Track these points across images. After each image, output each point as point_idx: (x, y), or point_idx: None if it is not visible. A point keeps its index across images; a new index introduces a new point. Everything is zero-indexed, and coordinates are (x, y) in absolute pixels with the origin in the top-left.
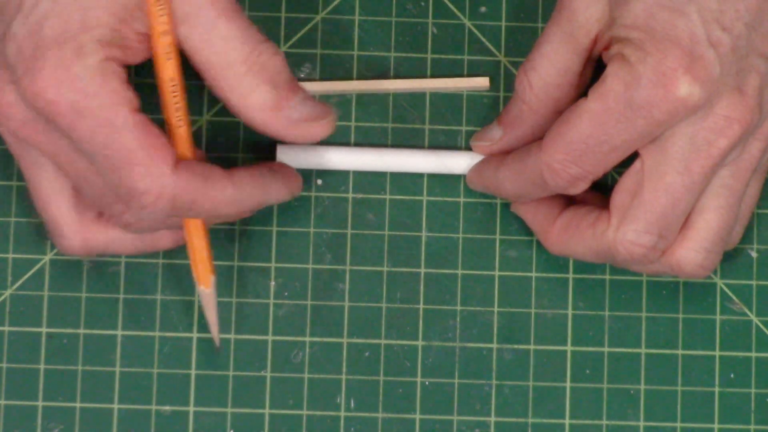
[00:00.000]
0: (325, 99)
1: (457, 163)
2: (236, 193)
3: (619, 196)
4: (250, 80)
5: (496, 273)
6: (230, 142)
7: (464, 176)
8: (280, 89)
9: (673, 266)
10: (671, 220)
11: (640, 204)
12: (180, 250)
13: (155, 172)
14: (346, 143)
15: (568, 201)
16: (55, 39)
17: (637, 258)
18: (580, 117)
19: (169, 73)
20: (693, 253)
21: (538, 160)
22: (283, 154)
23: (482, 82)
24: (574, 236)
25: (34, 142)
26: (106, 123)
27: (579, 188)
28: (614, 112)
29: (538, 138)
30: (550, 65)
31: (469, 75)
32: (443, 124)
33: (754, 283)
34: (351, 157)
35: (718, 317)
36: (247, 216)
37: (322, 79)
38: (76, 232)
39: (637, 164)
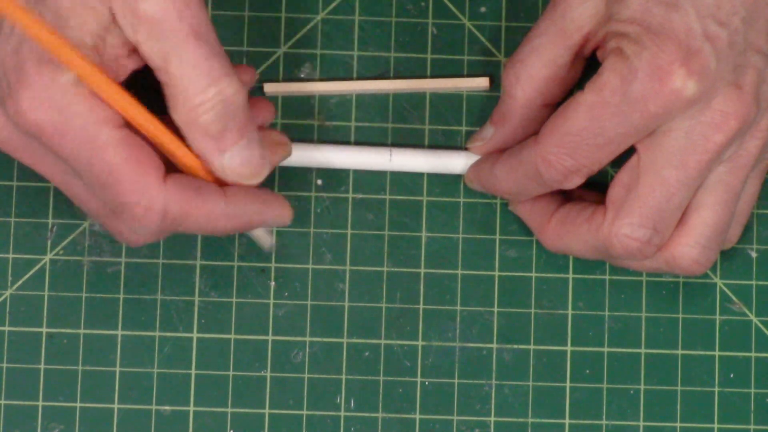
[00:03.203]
0: (325, 99)
1: (455, 162)
2: (230, 207)
3: (615, 190)
4: (201, 114)
5: (496, 273)
6: None
7: (463, 176)
8: (227, 132)
9: (669, 262)
10: (666, 215)
11: (635, 198)
12: (179, 251)
13: (142, 186)
14: (346, 142)
15: (565, 198)
16: (36, 58)
17: (632, 252)
18: (575, 109)
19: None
20: (688, 248)
21: (533, 152)
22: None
23: (482, 83)
24: (570, 232)
25: (27, 163)
26: (88, 141)
27: (574, 182)
28: (610, 105)
29: (528, 134)
30: (538, 59)
31: (469, 75)
32: (443, 124)
33: (753, 283)
34: (351, 155)
35: (717, 317)
36: (245, 231)
37: (322, 79)
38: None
39: (633, 159)
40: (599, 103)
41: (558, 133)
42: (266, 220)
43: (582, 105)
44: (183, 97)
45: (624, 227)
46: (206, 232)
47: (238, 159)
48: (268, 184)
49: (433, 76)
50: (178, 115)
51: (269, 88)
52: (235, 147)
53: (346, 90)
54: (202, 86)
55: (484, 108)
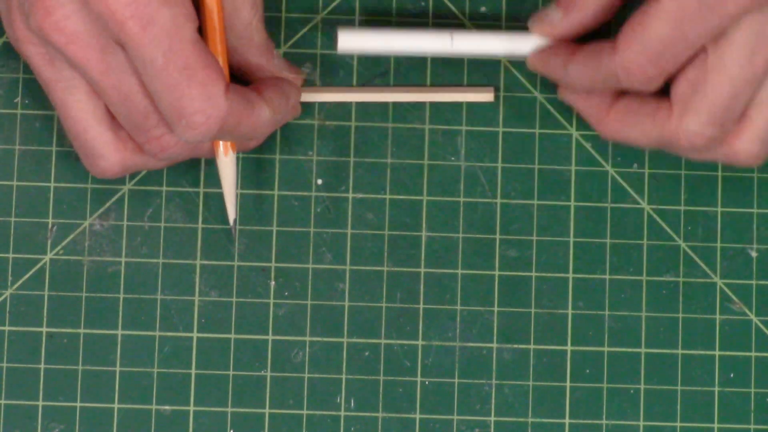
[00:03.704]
0: (324, 104)
1: (523, 45)
2: (272, 113)
3: (682, 86)
4: (255, 25)
5: (496, 273)
6: None
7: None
8: (269, 40)
9: (729, 155)
10: (732, 112)
11: (703, 96)
12: (179, 251)
13: (211, 93)
14: (346, 142)
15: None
16: None
17: (698, 147)
18: (657, 17)
19: (212, 1)
20: (750, 144)
21: (613, 61)
22: (345, 40)
23: (486, 96)
24: (632, 124)
25: (80, 58)
26: (173, 35)
27: (654, 87)
28: (689, 9)
29: (598, 22)
30: None
31: (469, 75)
32: (443, 124)
33: (754, 283)
34: (416, 40)
35: (718, 317)
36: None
37: (324, 84)
38: (115, 151)
39: (701, 56)
40: (679, 9)
41: (639, 41)
42: (287, 119)
43: (662, 12)
44: (236, 23)
45: (692, 124)
46: (245, 140)
47: (281, 61)
48: (269, 175)
49: (433, 79)
50: (234, 38)
51: None
52: (276, 52)
53: (348, 99)
54: (248, 9)
55: (484, 108)
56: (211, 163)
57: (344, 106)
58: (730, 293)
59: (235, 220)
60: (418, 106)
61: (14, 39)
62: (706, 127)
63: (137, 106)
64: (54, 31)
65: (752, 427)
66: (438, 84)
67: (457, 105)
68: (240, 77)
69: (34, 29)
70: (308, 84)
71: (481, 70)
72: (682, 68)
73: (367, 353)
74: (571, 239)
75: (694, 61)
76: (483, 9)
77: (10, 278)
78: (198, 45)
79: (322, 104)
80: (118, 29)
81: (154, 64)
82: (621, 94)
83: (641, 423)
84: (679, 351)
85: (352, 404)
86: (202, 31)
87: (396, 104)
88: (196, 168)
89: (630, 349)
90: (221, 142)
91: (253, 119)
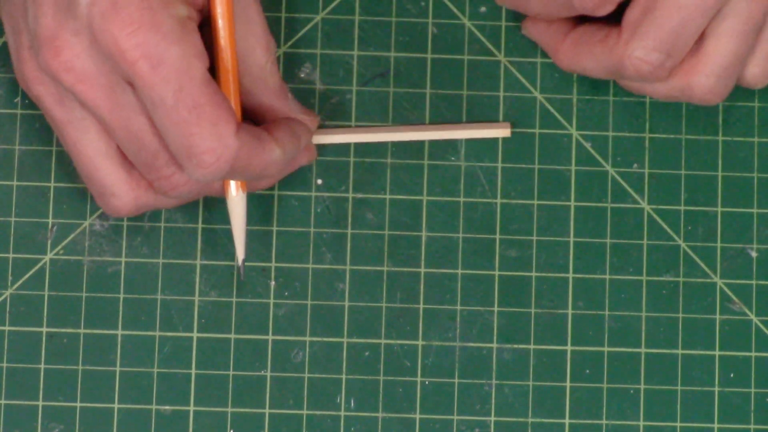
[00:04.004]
0: (325, 99)
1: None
2: (282, 154)
3: (632, 11)
4: (269, 69)
5: (496, 273)
6: None
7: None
8: (283, 83)
9: (684, 90)
10: (681, 40)
11: (651, 21)
12: (180, 251)
13: (221, 132)
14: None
15: (580, 19)
16: None
17: (643, 74)
18: None
19: (226, 39)
20: (704, 78)
21: None
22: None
23: (503, 132)
24: (584, 51)
25: (90, 97)
26: (183, 73)
27: (606, 9)
28: None
29: None
30: None
31: (470, 75)
32: (443, 123)
33: (754, 283)
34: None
35: (718, 317)
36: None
37: (324, 84)
38: (129, 190)
39: None
40: None
41: None
42: (296, 166)
43: None
44: (250, 65)
45: (638, 50)
46: (256, 179)
47: (296, 103)
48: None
49: (433, 80)
50: (249, 81)
51: None
52: (290, 95)
53: (365, 139)
54: (262, 51)
55: (485, 108)
56: None
57: (344, 106)
58: (730, 293)
59: (243, 261)
60: (419, 106)
61: (24, 79)
62: (651, 53)
63: (147, 145)
64: (63, 70)
65: (752, 427)
66: (440, 87)
67: (457, 106)
68: (254, 119)
69: (44, 68)
70: (308, 84)
71: (480, 70)
72: None
73: (367, 353)
74: (571, 239)
75: None
76: (483, 9)
77: (10, 278)
78: (208, 84)
79: (322, 104)
80: (127, 68)
81: (164, 103)
82: (576, 24)
83: (641, 423)
84: (679, 351)
85: (352, 404)
86: (215, 71)
87: (396, 104)
88: None
89: (630, 349)
90: (232, 182)
91: (263, 159)
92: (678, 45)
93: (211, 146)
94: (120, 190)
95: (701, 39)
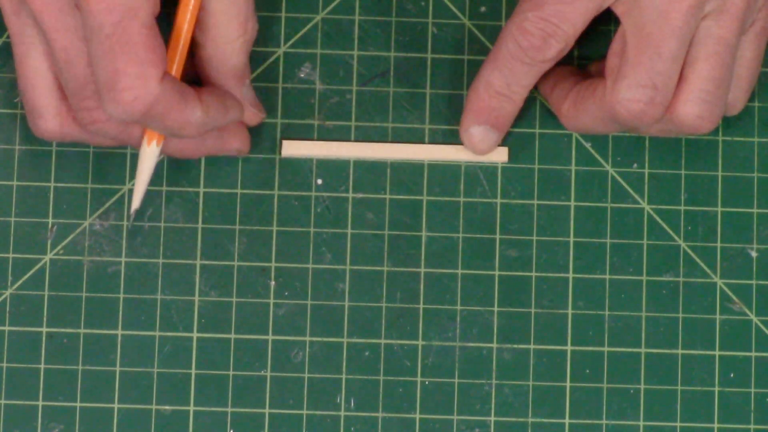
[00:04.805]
0: (325, 99)
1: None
2: (203, 116)
3: (610, 60)
4: (237, 48)
5: (496, 273)
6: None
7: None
8: (246, 68)
9: (675, 121)
10: (661, 69)
11: (626, 60)
12: (180, 251)
13: (146, 74)
14: (347, 141)
15: (582, 79)
16: None
17: (636, 114)
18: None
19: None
20: (690, 104)
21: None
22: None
23: (501, 156)
24: (581, 109)
25: (39, 12)
26: (127, 9)
27: (552, 46)
28: None
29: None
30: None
31: (469, 75)
32: (443, 124)
33: (754, 283)
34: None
35: (718, 317)
36: (193, 138)
37: (324, 83)
38: (56, 115)
39: (620, 27)
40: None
41: (536, 4)
42: (225, 149)
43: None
44: (219, 35)
45: (622, 91)
46: (170, 134)
47: (251, 92)
48: (269, 175)
49: (433, 82)
50: (212, 49)
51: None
52: (247, 82)
53: (369, 156)
54: (236, 27)
55: None
56: (211, 163)
57: (344, 106)
58: (730, 293)
59: (135, 211)
60: (419, 106)
61: None
62: (636, 90)
63: (79, 72)
64: None
65: (752, 427)
66: (440, 87)
67: (457, 105)
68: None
69: None
70: (308, 84)
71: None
72: (611, 44)
73: (367, 353)
74: (571, 239)
75: (616, 33)
76: (483, 9)
77: (10, 278)
78: (149, 28)
79: (321, 104)
80: None
81: (101, 31)
82: (575, 85)
83: (641, 423)
84: (679, 351)
85: (352, 404)
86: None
87: (396, 104)
88: (197, 168)
89: (630, 349)
90: (149, 132)
91: (182, 115)
92: (660, 75)
93: (132, 84)
94: (48, 114)
95: (682, 69)
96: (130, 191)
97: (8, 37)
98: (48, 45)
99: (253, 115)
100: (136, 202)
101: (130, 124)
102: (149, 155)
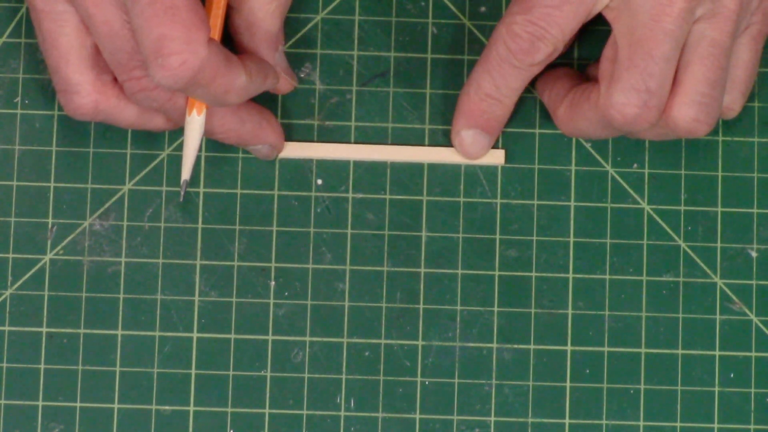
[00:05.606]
0: (325, 99)
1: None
2: (247, 82)
3: (603, 65)
4: (271, 12)
5: (496, 273)
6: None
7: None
8: (280, 32)
9: (670, 125)
10: (654, 72)
11: (619, 65)
12: (179, 251)
13: (192, 38)
14: (346, 142)
15: (578, 82)
16: None
17: (631, 118)
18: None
19: None
20: (685, 107)
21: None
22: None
23: (497, 159)
24: (576, 113)
25: None
26: None
27: (540, 49)
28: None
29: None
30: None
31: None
32: (443, 124)
33: (754, 283)
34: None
35: (718, 317)
36: (242, 140)
37: (324, 83)
38: (91, 91)
39: (612, 33)
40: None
41: (525, 8)
42: (261, 138)
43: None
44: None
45: (616, 95)
46: (214, 101)
47: (284, 59)
48: (269, 175)
49: (433, 82)
50: (247, 13)
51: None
52: (281, 48)
53: (366, 157)
54: None
55: None
56: (211, 163)
57: (344, 106)
58: (730, 293)
59: (186, 181)
60: (419, 106)
61: None
62: (630, 94)
63: (124, 44)
64: None
65: (752, 427)
66: (440, 87)
67: (455, 104)
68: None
69: None
70: (308, 84)
71: None
72: (603, 50)
73: (367, 353)
74: (571, 239)
75: (609, 39)
76: (483, 9)
77: (10, 278)
78: None
79: (321, 104)
80: None
81: None
82: (570, 89)
83: (641, 423)
84: (679, 351)
85: (352, 404)
86: None
87: (396, 104)
88: (196, 168)
89: (630, 349)
90: (191, 101)
91: (228, 80)
92: (654, 78)
93: (179, 49)
94: (84, 89)
95: (676, 73)
96: (130, 191)
97: (8, 35)
98: (87, 20)
99: (286, 83)
100: (185, 174)
101: (176, 93)
102: (196, 124)
